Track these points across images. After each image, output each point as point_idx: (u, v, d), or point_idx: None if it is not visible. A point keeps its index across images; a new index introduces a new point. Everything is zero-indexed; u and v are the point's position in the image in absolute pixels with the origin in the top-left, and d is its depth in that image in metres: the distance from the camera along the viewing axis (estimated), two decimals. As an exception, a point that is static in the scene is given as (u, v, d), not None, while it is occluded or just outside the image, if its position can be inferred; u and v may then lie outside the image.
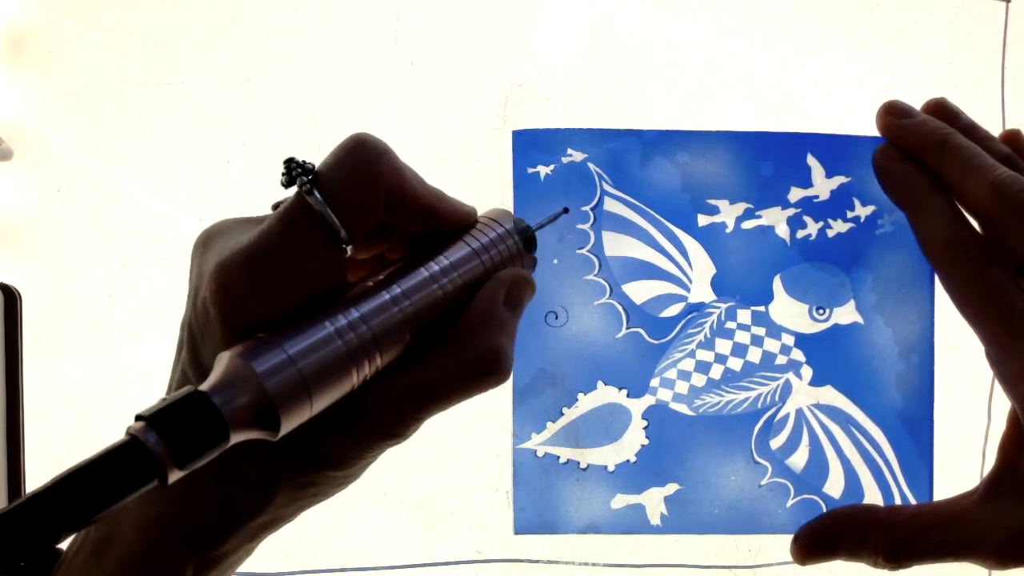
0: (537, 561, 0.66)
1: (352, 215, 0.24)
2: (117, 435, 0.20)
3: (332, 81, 0.67)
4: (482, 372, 0.25)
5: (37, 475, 0.67)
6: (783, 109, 0.67)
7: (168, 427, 0.20)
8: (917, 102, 0.32)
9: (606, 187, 0.66)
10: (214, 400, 0.21)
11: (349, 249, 0.24)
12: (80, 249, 0.68)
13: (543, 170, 0.66)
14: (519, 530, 0.68)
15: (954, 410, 0.70)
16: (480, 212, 0.29)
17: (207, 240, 0.25)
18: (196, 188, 0.68)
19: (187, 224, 0.68)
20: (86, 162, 0.68)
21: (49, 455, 0.67)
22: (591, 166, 0.67)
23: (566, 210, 0.27)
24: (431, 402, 0.25)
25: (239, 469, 0.24)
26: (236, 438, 0.21)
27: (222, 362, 0.22)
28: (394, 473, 0.65)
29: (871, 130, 0.33)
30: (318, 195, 0.23)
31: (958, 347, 0.70)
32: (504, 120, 0.67)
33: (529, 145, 0.66)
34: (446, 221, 0.27)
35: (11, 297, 0.67)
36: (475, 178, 0.69)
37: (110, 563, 0.24)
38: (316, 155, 0.23)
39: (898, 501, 0.67)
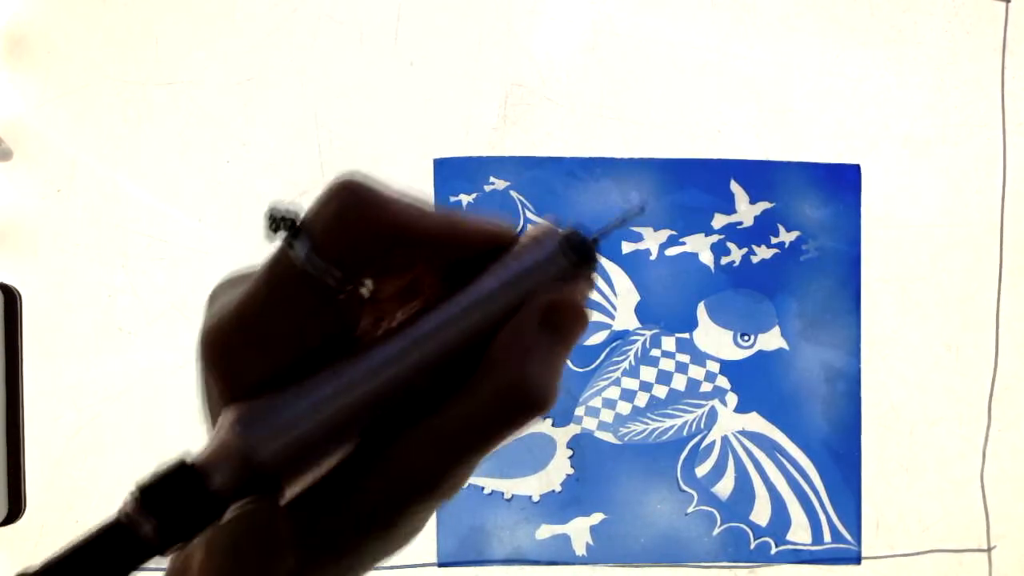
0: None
1: (343, 262, 0.22)
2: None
3: (332, 81, 0.67)
4: (507, 407, 0.23)
5: (37, 475, 0.67)
6: (783, 109, 0.67)
7: (159, 503, 0.20)
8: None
9: (529, 215, 0.66)
10: (208, 472, 0.21)
11: (366, 290, 0.23)
12: (80, 249, 0.68)
13: (465, 199, 0.65)
14: (443, 561, 0.67)
15: (954, 410, 0.70)
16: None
17: (213, 295, 0.25)
18: (196, 188, 0.68)
19: (187, 224, 0.68)
20: (86, 162, 0.68)
21: (49, 455, 0.67)
22: (514, 194, 0.66)
23: (642, 209, 0.22)
24: (455, 449, 0.23)
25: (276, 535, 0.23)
26: (233, 510, 0.21)
27: (218, 430, 0.22)
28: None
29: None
30: (300, 247, 0.22)
31: (958, 347, 0.70)
32: (504, 120, 0.67)
33: (451, 174, 0.66)
34: (469, 246, 0.25)
35: (11, 297, 0.67)
36: (475, 178, 0.69)
37: None
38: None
39: (826, 529, 0.66)
